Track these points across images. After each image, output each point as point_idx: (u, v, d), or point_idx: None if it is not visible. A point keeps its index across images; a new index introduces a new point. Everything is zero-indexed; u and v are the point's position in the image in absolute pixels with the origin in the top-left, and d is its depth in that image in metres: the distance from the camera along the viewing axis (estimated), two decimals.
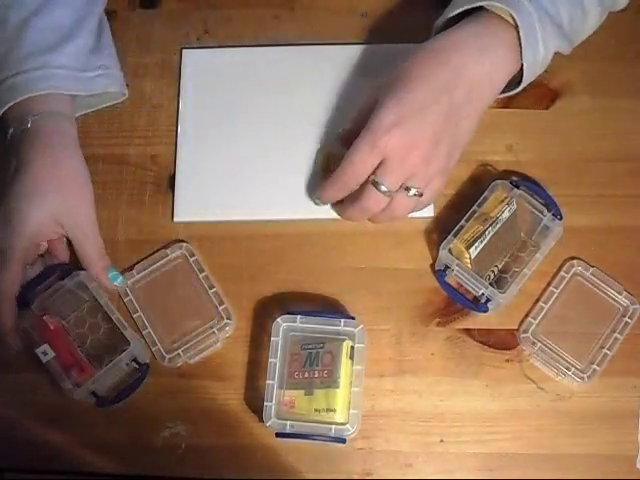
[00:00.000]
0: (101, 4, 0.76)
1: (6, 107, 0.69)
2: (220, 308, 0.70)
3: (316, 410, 0.65)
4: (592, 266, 0.71)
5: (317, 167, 0.74)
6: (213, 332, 0.70)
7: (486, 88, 0.66)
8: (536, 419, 0.68)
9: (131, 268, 0.72)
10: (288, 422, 0.65)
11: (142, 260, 0.72)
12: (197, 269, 0.72)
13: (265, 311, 0.71)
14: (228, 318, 0.70)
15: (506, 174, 0.74)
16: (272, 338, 0.67)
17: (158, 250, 0.72)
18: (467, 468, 0.68)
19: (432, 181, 0.66)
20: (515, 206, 0.70)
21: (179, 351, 0.69)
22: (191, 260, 0.72)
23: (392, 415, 0.69)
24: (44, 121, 0.69)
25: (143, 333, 0.70)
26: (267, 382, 0.66)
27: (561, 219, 0.70)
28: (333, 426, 0.64)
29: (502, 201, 0.70)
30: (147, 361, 0.69)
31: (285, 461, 0.68)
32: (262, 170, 0.74)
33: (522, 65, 0.66)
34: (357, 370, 0.66)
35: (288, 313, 0.68)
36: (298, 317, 0.67)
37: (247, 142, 0.76)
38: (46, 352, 0.67)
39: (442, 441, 0.68)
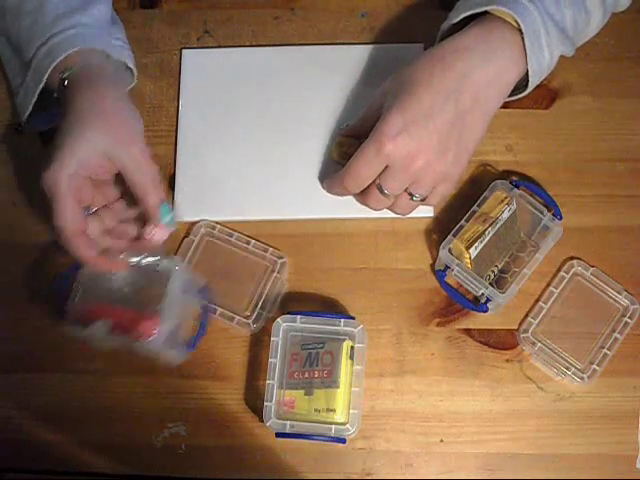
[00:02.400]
0: None
1: (47, 73, 0.68)
2: (268, 253, 0.71)
3: (316, 410, 0.65)
4: (592, 266, 0.71)
5: (331, 157, 0.74)
6: (276, 277, 0.70)
7: (492, 92, 0.66)
8: (536, 419, 0.68)
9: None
10: (288, 422, 0.65)
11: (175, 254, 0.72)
12: (227, 235, 0.72)
13: None
14: (280, 257, 0.71)
15: (506, 174, 0.74)
16: (272, 338, 0.67)
17: (182, 240, 0.72)
18: (467, 468, 0.68)
19: (437, 186, 0.67)
20: (515, 206, 0.70)
21: (257, 311, 0.69)
22: (216, 231, 0.72)
23: (392, 415, 0.69)
24: (82, 68, 0.67)
25: (217, 314, 0.70)
26: (267, 382, 0.66)
27: (561, 219, 0.70)
28: (333, 426, 0.64)
29: (502, 201, 0.70)
30: (204, 286, 0.69)
31: (285, 461, 0.68)
32: (262, 170, 0.74)
33: (527, 70, 0.66)
34: (357, 370, 0.66)
35: (288, 313, 0.68)
36: (298, 317, 0.67)
37: (247, 142, 0.76)
38: (101, 326, 0.66)
39: (442, 441, 0.68)
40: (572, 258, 0.71)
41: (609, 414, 0.68)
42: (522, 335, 0.69)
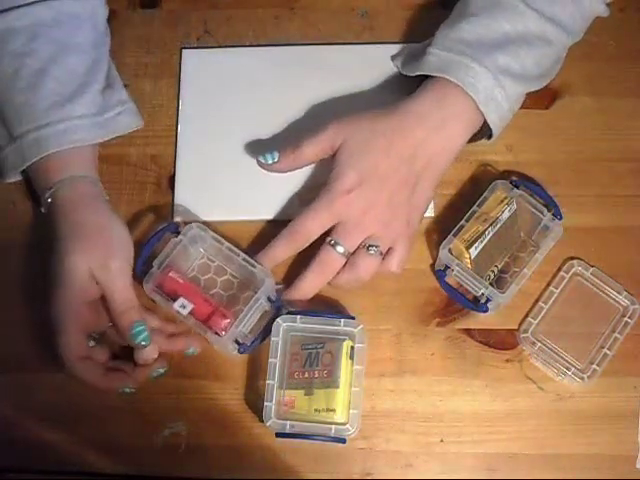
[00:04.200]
0: (108, 44, 0.76)
1: (30, 162, 0.68)
2: (256, 270, 0.68)
3: (316, 410, 0.65)
4: (592, 266, 0.71)
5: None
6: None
7: (445, 155, 0.69)
8: (536, 419, 0.68)
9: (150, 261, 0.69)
10: (288, 422, 0.65)
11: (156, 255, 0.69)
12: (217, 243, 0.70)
13: None
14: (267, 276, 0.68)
15: (506, 174, 0.74)
16: (272, 338, 0.67)
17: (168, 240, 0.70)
18: (467, 468, 0.68)
19: (395, 245, 0.68)
20: (515, 206, 0.70)
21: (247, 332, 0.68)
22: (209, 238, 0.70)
23: (392, 415, 0.69)
24: (64, 188, 0.68)
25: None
26: (267, 382, 0.66)
27: (561, 219, 0.70)
28: (333, 426, 0.64)
29: (502, 201, 0.70)
30: (279, 297, 0.69)
31: (285, 461, 0.68)
32: (261, 170, 0.74)
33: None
34: (357, 370, 0.66)
35: (288, 313, 0.68)
36: (298, 317, 0.67)
37: (247, 142, 0.76)
38: (184, 305, 0.67)
39: (442, 441, 0.68)
40: (572, 258, 0.71)
41: (609, 414, 0.68)
42: (522, 335, 0.69)
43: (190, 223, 0.70)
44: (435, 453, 0.68)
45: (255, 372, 0.70)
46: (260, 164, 0.71)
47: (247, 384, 0.70)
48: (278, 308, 0.69)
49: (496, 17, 0.68)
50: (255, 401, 0.69)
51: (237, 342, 0.67)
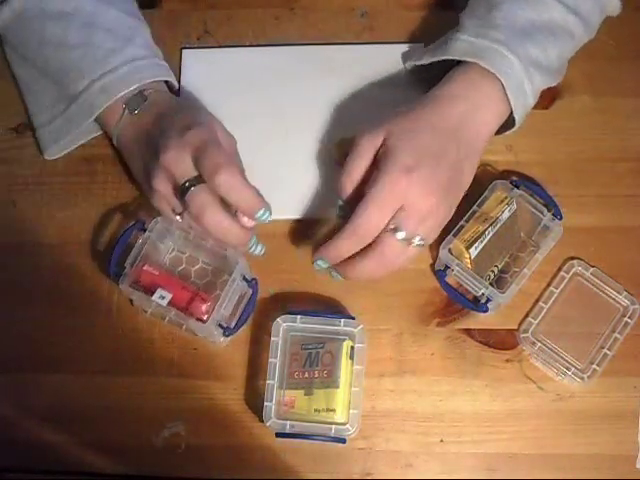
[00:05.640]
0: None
1: (102, 108, 0.68)
2: (228, 252, 0.68)
3: (316, 410, 0.65)
4: (592, 266, 0.71)
5: (333, 159, 0.74)
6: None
7: (480, 143, 0.67)
8: (536, 419, 0.68)
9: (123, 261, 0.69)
10: (288, 422, 0.65)
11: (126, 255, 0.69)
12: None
13: (265, 311, 0.71)
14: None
15: (506, 174, 0.74)
16: (272, 338, 0.67)
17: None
18: (467, 468, 0.68)
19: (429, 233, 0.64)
20: (515, 206, 0.70)
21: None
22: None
23: (392, 415, 0.69)
24: (146, 104, 0.69)
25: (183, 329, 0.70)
26: (267, 382, 0.66)
27: (561, 219, 0.70)
28: (333, 426, 0.64)
29: (502, 201, 0.70)
30: (254, 276, 0.69)
31: (285, 461, 0.68)
32: (262, 170, 0.74)
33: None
34: (357, 370, 0.66)
35: (288, 313, 0.68)
36: (298, 317, 0.67)
37: (247, 142, 0.75)
38: (163, 296, 0.67)
39: (442, 441, 0.68)
40: (572, 258, 0.71)
41: (609, 414, 0.68)
42: (522, 335, 0.69)
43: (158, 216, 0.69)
44: (435, 453, 0.68)
45: (255, 372, 0.70)
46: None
47: (247, 384, 0.70)
48: (255, 287, 0.69)
49: (522, 5, 0.68)
50: (255, 401, 0.69)
51: (221, 326, 0.67)
